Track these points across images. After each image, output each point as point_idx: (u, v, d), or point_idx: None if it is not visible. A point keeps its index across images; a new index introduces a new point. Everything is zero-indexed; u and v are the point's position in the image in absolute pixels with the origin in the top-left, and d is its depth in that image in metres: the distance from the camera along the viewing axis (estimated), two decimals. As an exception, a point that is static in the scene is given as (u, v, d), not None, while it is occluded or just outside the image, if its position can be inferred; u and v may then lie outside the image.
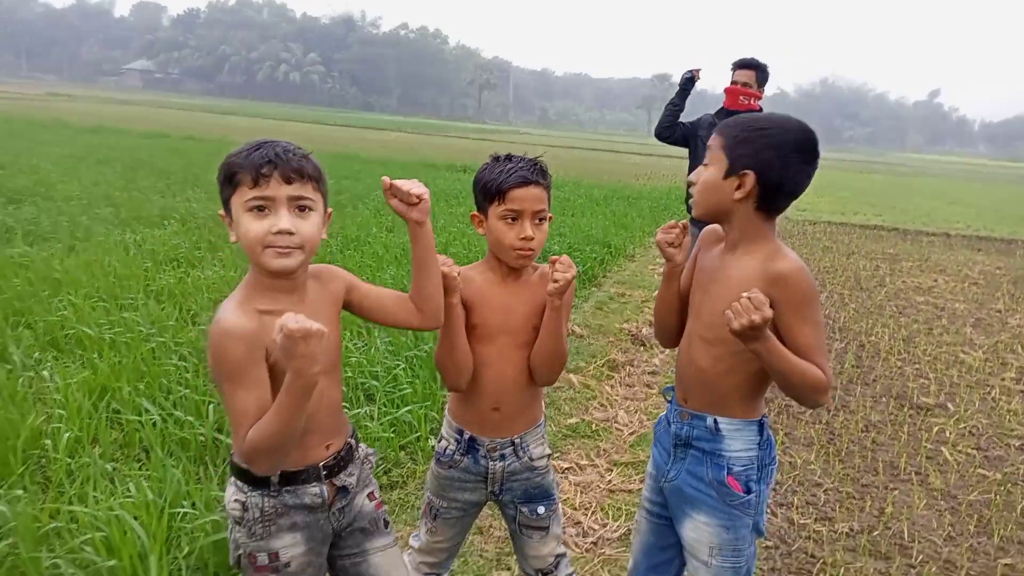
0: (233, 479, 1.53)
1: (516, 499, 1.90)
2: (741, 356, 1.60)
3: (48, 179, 10.15)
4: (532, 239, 1.73)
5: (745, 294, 1.44)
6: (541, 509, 1.91)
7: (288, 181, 1.40)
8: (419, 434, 3.43)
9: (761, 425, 1.69)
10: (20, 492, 2.63)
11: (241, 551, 1.53)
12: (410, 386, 3.75)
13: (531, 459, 1.88)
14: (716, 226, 1.76)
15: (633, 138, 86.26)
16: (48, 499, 2.69)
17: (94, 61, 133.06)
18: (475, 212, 1.78)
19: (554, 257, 1.75)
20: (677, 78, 5.33)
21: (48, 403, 3.43)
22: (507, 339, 1.81)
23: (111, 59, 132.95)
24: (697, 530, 1.69)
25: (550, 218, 1.82)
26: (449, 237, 7.84)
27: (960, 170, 55.86)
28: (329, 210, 1.52)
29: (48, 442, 3.02)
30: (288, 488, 1.50)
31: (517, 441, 1.86)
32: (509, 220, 1.73)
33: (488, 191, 1.72)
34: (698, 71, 5.13)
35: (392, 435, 3.36)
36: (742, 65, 4.83)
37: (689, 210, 5.14)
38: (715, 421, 1.66)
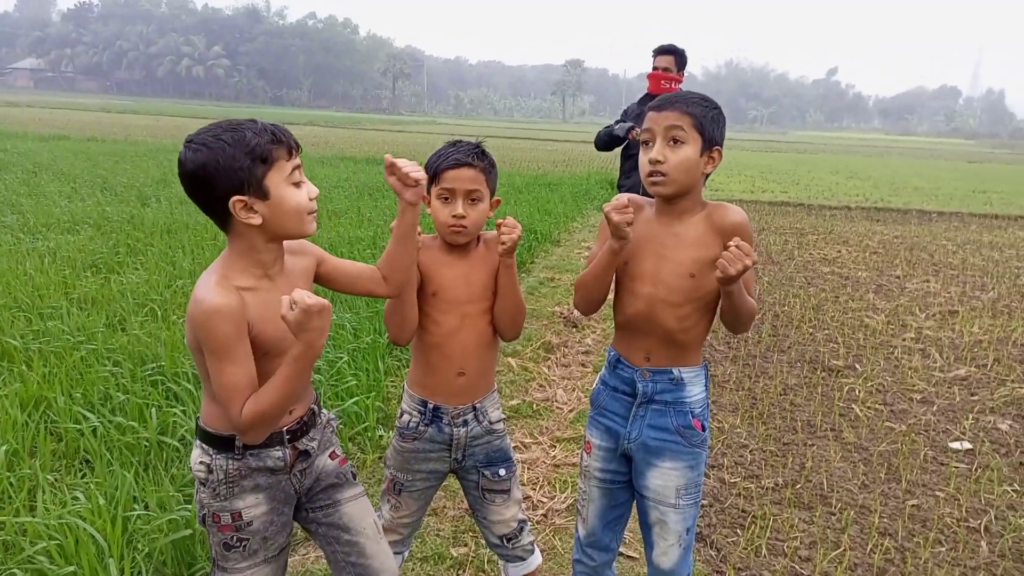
0: (199, 442, 1.58)
1: (478, 463, 2.03)
2: (703, 310, 1.81)
3: (-58, 187, 9.60)
4: (464, 217, 1.85)
5: (732, 243, 1.62)
6: (502, 471, 2.05)
7: None
8: (367, 424, 3.50)
9: (707, 367, 1.89)
10: (-37, 508, 2.59)
11: (206, 511, 1.59)
12: (355, 378, 3.81)
13: (490, 422, 2.02)
14: (637, 197, 1.90)
15: (549, 124, 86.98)
16: (-9, 514, 2.65)
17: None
18: (425, 194, 1.87)
19: (499, 221, 1.89)
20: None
21: (-23, 418, 3.33)
22: (470, 307, 1.94)
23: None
24: (664, 476, 1.84)
25: (496, 202, 1.96)
26: (376, 230, 7.84)
27: (857, 145, 58.84)
28: None
29: (-17, 457, 2.95)
30: (252, 451, 1.56)
31: (478, 406, 1.99)
32: (444, 199, 1.86)
33: (428, 172, 1.82)
34: (635, 130, 5.16)
35: (340, 427, 3.41)
36: (661, 51, 5.01)
37: (621, 189, 5.30)
38: (679, 372, 1.83)
